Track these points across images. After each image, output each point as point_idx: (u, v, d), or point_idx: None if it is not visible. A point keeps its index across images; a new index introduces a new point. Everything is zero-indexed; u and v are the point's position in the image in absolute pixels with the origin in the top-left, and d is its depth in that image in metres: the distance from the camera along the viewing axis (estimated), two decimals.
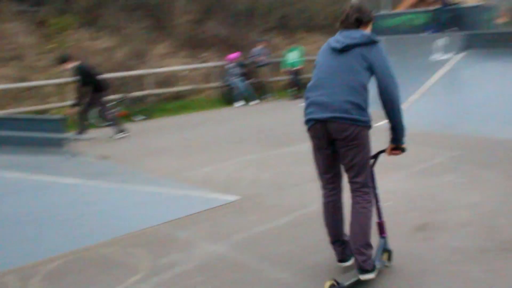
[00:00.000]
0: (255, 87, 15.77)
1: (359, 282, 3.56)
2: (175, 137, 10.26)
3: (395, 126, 3.60)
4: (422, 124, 9.76)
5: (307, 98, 3.61)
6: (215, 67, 15.55)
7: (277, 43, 18.81)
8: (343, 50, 3.47)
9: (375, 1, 16.42)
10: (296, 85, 15.68)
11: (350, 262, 3.77)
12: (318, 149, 3.65)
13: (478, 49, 12.13)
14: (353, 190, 3.61)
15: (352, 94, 3.41)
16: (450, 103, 10.50)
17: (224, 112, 13.77)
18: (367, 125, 3.50)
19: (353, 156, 3.49)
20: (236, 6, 18.08)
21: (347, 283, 3.50)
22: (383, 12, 15.99)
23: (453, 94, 10.78)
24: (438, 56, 12.60)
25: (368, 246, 3.54)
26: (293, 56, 15.67)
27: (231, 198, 5.87)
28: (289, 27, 19.99)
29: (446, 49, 12.58)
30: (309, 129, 3.61)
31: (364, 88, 3.46)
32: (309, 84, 3.63)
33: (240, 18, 18.37)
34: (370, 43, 3.43)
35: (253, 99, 14.95)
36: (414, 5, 15.92)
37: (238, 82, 14.79)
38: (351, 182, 3.61)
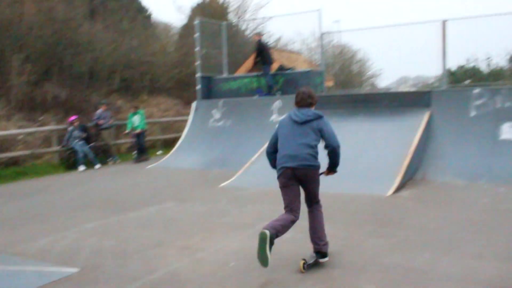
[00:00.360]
0: (98, 150, 15.38)
1: (316, 263, 5.30)
2: (8, 207, 9.52)
3: (334, 164, 5.44)
4: (262, 183, 10.17)
5: (280, 152, 5.39)
6: (55, 130, 14.85)
7: (120, 105, 18.65)
8: (302, 123, 5.30)
9: (217, 64, 17.10)
10: (140, 148, 15.58)
11: (268, 233, 4.92)
12: (285, 188, 5.36)
13: None
14: (311, 205, 5.48)
15: (310, 150, 5.23)
16: None
17: (66, 177, 13.15)
18: (318, 167, 5.32)
19: (312, 188, 5.40)
20: (77, 67, 17.68)
21: (310, 261, 5.25)
22: (224, 75, 16.69)
23: None
24: (275, 118, 13.39)
25: (324, 236, 5.42)
26: (136, 119, 15.60)
27: (70, 270, 5.55)
28: (132, 89, 20.00)
29: (281, 111, 13.44)
30: (281, 174, 5.35)
31: (316, 146, 5.27)
32: (279, 144, 5.43)
33: (82, 79, 17.98)
34: (318, 118, 5.33)
35: (96, 163, 14.52)
36: (251, 69, 16.83)
37: (80, 146, 14.30)
38: (310, 202, 5.47)
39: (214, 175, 11.83)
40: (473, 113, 11.03)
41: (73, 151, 14.37)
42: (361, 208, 7.98)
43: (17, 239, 7.06)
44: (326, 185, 9.28)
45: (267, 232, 4.88)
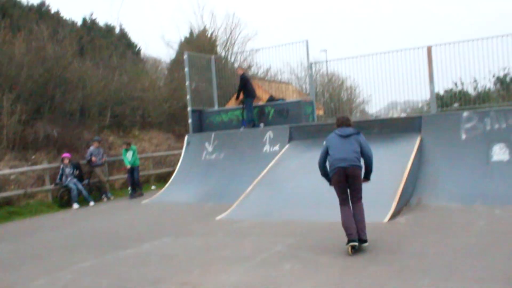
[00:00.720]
0: (92, 187, 15.33)
1: (360, 248, 6.99)
2: (3, 247, 9.42)
3: (369, 172, 7.30)
4: (258, 215, 10.17)
5: (332, 156, 7.11)
6: (47, 169, 14.77)
7: (112, 141, 18.64)
8: (347, 136, 7.18)
9: (208, 97, 17.21)
10: (134, 184, 15.52)
11: (356, 243, 6.93)
12: (338, 183, 7.11)
13: (301, 140, 13.21)
14: (356, 201, 7.17)
15: (356, 154, 7.08)
16: (281, 191, 11.10)
17: (60, 215, 13.05)
18: (362, 168, 7.14)
19: (357, 184, 7.12)
20: (68, 105, 17.71)
21: (357, 246, 6.95)
22: (215, 108, 16.79)
23: (283, 183, 11.45)
24: (267, 149, 13.44)
25: (365, 226, 7.12)
26: (129, 155, 15.58)
27: None
28: (123, 125, 20.02)
29: (273, 141, 13.51)
30: (335, 173, 7.05)
31: (359, 152, 7.12)
32: (330, 152, 7.14)
33: (73, 117, 18.00)
34: (357, 133, 7.27)
35: (90, 200, 14.44)
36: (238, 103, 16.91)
37: (74, 183, 14.24)
38: (355, 197, 7.17)
39: (209, 208, 11.80)
40: (464, 136, 11.14)
41: (67, 189, 14.30)
42: None
43: (14, 280, 6.99)
44: (322, 215, 9.38)
45: (356, 246, 6.92)
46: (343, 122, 7.42)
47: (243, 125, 15.16)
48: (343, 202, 7.14)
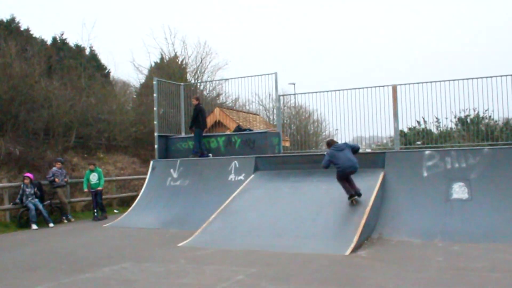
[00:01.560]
0: (53, 208, 15.00)
1: (357, 200, 10.69)
2: None
3: (357, 152, 11.15)
4: (221, 242, 10.15)
5: (342, 165, 10.63)
6: (7, 187, 14.37)
7: (75, 163, 18.36)
8: (342, 149, 10.81)
9: (175, 123, 17.22)
10: (98, 206, 15.29)
11: (356, 196, 10.74)
12: (343, 176, 10.77)
13: (266, 170, 13.31)
14: (351, 179, 10.95)
15: (354, 158, 10.79)
16: (245, 220, 11.11)
17: (17, 236, 12.68)
18: (358, 167, 10.85)
19: (352, 176, 10.93)
20: (32, 123, 17.44)
21: (356, 196, 10.76)
22: (182, 135, 16.78)
23: (247, 212, 11.46)
24: (233, 178, 13.48)
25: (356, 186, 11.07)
26: (93, 177, 15.38)
27: None
28: (88, 147, 19.80)
29: (239, 171, 13.57)
30: (344, 174, 10.70)
31: (354, 157, 10.94)
32: (338, 161, 10.64)
33: (37, 136, 17.71)
34: (346, 143, 11.17)
35: (49, 221, 14.11)
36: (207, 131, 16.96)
37: (33, 203, 13.90)
38: (351, 178, 10.95)
39: (172, 234, 11.69)
40: (425, 174, 11.43)
41: (27, 209, 13.94)
42: (320, 268, 8.00)
43: None
44: (286, 245, 9.41)
45: (357, 198, 10.65)
46: (333, 142, 11.19)
47: (192, 153, 15.35)
48: (343, 180, 10.75)
